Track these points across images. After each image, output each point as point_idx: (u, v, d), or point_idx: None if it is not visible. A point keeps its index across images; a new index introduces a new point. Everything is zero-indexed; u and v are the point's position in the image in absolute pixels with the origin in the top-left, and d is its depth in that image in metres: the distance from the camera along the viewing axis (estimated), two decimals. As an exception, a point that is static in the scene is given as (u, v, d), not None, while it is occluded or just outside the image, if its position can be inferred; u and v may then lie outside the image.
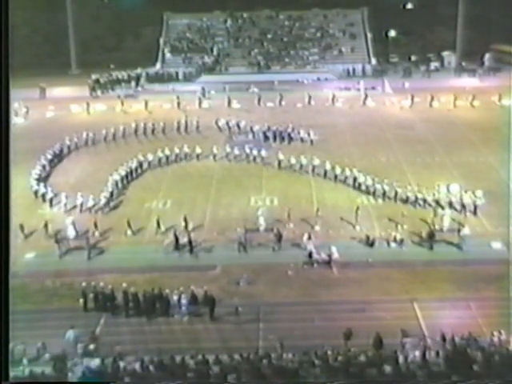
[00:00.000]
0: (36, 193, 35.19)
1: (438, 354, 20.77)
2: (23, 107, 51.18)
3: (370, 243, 29.58)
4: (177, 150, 41.03)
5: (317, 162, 38.40)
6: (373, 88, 59.77)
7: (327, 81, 64.75)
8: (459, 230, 29.51)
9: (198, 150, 41.18)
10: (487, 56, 68.73)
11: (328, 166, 37.40)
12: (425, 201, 33.24)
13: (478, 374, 19.39)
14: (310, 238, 29.00)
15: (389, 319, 23.45)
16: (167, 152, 40.77)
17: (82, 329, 23.26)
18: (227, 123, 46.75)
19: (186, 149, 41.20)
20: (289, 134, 44.56)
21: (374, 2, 71.66)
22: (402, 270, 27.45)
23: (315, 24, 73.89)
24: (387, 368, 19.87)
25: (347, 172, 36.54)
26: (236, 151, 41.48)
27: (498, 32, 60.26)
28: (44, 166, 39.19)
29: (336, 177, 36.83)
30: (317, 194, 35.44)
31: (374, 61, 69.55)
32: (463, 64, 68.54)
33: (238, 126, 46.36)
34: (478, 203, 32.53)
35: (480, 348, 20.94)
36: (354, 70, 67.43)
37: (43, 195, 34.84)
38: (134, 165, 38.70)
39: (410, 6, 76.90)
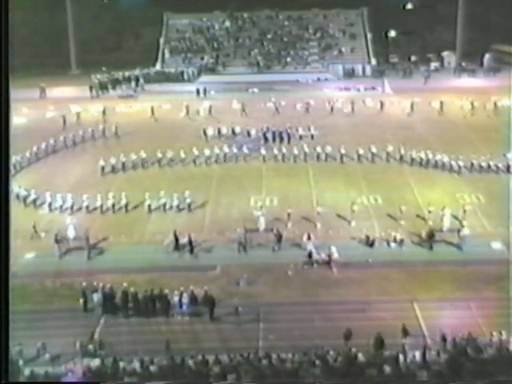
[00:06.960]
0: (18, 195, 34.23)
1: (438, 354, 20.78)
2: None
3: (369, 243, 29.58)
4: (177, 152, 40.92)
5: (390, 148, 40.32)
6: (373, 88, 59.82)
7: (327, 81, 64.87)
8: (459, 230, 29.49)
9: (196, 152, 41.03)
10: (487, 56, 68.83)
11: (402, 150, 39.81)
12: (497, 167, 36.96)
13: (477, 374, 19.37)
14: (309, 238, 28.96)
15: (389, 319, 23.43)
16: (167, 153, 40.72)
17: (82, 329, 23.34)
18: (218, 130, 46.04)
19: (182, 152, 41.07)
20: (288, 134, 44.51)
21: (374, 1, 71.75)
22: (402, 270, 27.42)
23: (315, 24, 73.97)
24: (387, 368, 19.85)
25: (422, 155, 39.01)
26: (235, 151, 41.46)
27: (498, 32, 60.39)
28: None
29: (412, 160, 39.06)
30: (317, 193, 35.45)
31: (373, 61, 69.59)
32: (463, 64, 68.61)
33: (233, 131, 45.91)
34: None
35: (480, 348, 20.94)
36: (353, 70, 67.48)
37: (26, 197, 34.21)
38: (132, 164, 38.96)
39: (409, 6, 77.14)
